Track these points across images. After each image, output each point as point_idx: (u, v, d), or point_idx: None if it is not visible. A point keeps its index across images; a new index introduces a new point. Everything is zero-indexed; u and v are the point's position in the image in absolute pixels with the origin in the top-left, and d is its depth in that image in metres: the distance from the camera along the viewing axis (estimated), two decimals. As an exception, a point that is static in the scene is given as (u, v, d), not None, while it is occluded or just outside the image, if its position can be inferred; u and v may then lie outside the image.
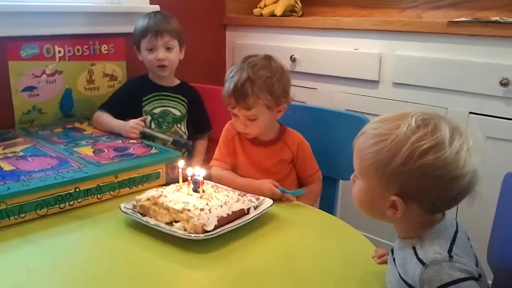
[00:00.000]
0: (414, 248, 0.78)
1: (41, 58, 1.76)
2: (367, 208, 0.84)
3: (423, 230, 0.80)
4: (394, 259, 0.84)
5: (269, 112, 1.30)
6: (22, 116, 1.76)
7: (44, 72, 1.78)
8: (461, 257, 0.75)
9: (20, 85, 1.73)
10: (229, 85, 1.29)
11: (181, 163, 1.20)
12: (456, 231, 0.80)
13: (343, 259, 1.00)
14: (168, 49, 1.70)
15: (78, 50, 1.84)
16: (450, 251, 0.75)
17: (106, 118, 1.67)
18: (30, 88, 1.76)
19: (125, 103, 1.71)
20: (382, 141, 0.77)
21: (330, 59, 1.97)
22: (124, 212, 1.11)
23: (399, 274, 0.80)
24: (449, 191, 0.76)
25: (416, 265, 0.76)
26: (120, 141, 1.53)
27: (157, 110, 1.71)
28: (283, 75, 1.32)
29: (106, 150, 1.43)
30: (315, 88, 2.04)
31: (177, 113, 1.73)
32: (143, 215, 1.10)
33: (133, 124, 1.59)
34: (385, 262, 0.95)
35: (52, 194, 1.17)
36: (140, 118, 1.64)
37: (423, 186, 0.76)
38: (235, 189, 1.21)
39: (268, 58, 1.33)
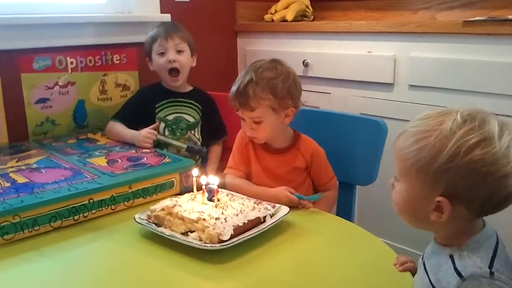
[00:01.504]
0: (451, 257, 0.74)
1: (53, 69, 1.76)
2: (409, 214, 0.80)
3: (463, 238, 0.76)
4: (424, 264, 0.81)
5: (275, 115, 1.28)
6: (35, 128, 1.76)
7: (56, 84, 1.78)
8: (502, 273, 0.70)
9: (33, 97, 1.74)
10: (233, 88, 1.29)
11: (195, 171, 1.18)
12: (497, 243, 0.76)
13: (364, 267, 0.97)
14: (179, 51, 1.70)
15: (90, 61, 1.84)
16: (491, 266, 0.71)
17: (118, 129, 1.67)
18: (43, 100, 1.76)
19: (138, 111, 1.71)
20: (425, 138, 0.73)
21: (343, 63, 1.94)
22: (139, 223, 1.10)
23: (430, 281, 0.77)
24: (499, 191, 0.72)
25: (453, 276, 0.72)
26: (134, 151, 1.52)
27: (170, 117, 1.70)
28: (289, 77, 1.30)
29: (119, 160, 1.42)
30: (329, 93, 2.01)
31: (191, 119, 1.72)
32: (158, 225, 1.09)
33: (146, 134, 1.58)
34: (407, 270, 0.92)
35: (66, 206, 1.15)
36: (152, 126, 1.63)
37: (471, 184, 0.71)
38: (250, 197, 1.19)
39: (275, 61, 1.32)
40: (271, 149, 1.35)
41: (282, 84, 1.27)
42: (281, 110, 1.29)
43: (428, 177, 0.73)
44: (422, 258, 0.83)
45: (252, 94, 1.25)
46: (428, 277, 0.78)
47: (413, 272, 0.91)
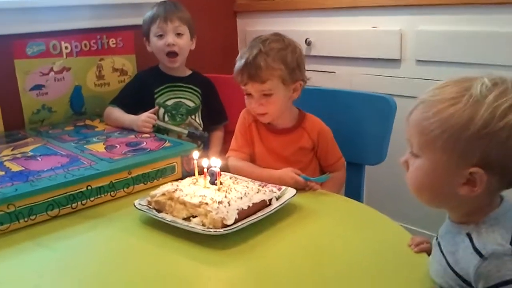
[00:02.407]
0: (469, 236, 0.69)
1: (47, 55, 1.71)
2: (431, 191, 0.73)
3: (481, 214, 0.70)
4: (439, 244, 0.75)
5: (284, 88, 1.23)
6: (31, 116, 1.71)
7: (51, 70, 1.72)
8: None
9: (28, 84, 1.68)
10: (240, 62, 1.23)
11: (195, 154, 1.13)
12: None
13: (377, 249, 0.92)
14: (178, 35, 1.64)
15: (85, 45, 1.79)
16: None
17: (117, 114, 1.61)
18: (38, 87, 1.71)
19: (136, 96, 1.65)
20: (452, 105, 0.67)
21: (347, 40, 1.88)
22: (139, 209, 1.05)
23: (447, 262, 0.72)
24: None
25: (472, 256, 0.67)
26: (133, 136, 1.47)
27: (170, 102, 1.65)
28: (296, 48, 1.26)
29: (118, 146, 1.37)
30: (333, 72, 1.95)
31: (191, 104, 1.67)
32: (159, 211, 1.04)
33: (145, 118, 1.53)
34: (423, 251, 0.87)
35: (63, 194, 1.11)
36: (151, 111, 1.58)
37: (507, 152, 0.66)
38: (255, 180, 1.14)
39: (279, 35, 1.27)
40: (276, 130, 1.30)
41: (291, 55, 1.23)
42: (291, 83, 1.24)
43: (458, 147, 0.67)
44: (437, 238, 0.77)
45: (264, 65, 1.19)
46: (445, 258, 0.72)
47: (429, 253, 0.86)
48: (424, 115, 0.70)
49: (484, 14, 1.51)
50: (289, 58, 1.22)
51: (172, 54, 1.64)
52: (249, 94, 1.25)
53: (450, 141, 0.68)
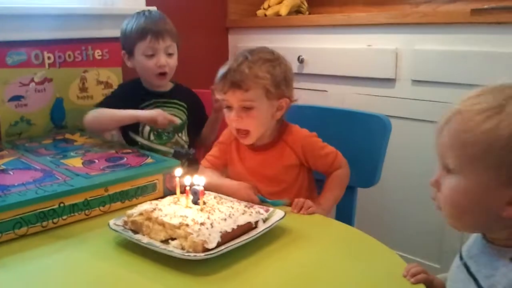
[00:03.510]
0: None
1: (29, 65, 1.63)
2: (470, 213, 0.66)
3: None
4: (466, 266, 0.68)
5: (267, 103, 1.15)
6: (9, 128, 1.62)
7: (32, 80, 1.64)
8: None
9: (7, 94, 1.60)
10: (223, 68, 1.16)
11: (178, 171, 1.05)
12: None
13: (370, 278, 0.85)
14: (169, 54, 1.54)
15: (69, 56, 1.71)
16: None
17: (110, 110, 1.48)
18: (17, 98, 1.62)
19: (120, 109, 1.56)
20: (496, 114, 0.61)
21: (341, 58, 1.83)
22: (114, 230, 0.97)
23: (479, 286, 0.64)
24: None
25: None
26: (113, 151, 1.39)
27: None
28: (286, 64, 1.19)
29: (97, 161, 1.29)
30: (325, 91, 1.90)
31: (178, 121, 1.57)
32: (135, 232, 0.96)
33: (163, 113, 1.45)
34: (420, 282, 0.80)
35: (32, 211, 1.02)
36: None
37: None
38: (214, 190, 1.09)
39: (268, 48, 1.21)
40: (254, 147, 1.22)
41: (279, 68, 1.16)
42: (275, 99, 1.16)
43: (505, 162, 0.60)
44: (461, 259, 0.70)
45: (248, 71, 1.12)
46: (477, 282, 0.65)
47: (427, 285, 0.79)
48: (467, 126, 0.63)
49: (482, 34, 1.47)
50: (277, 70, 1.15)
51: (162, 74, 1.55)
52: (228, 107, 1.18)
53: (494, 155, 0.61)
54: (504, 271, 0.62)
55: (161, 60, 1.51)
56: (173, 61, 1.55)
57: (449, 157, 0.66)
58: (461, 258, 0.70)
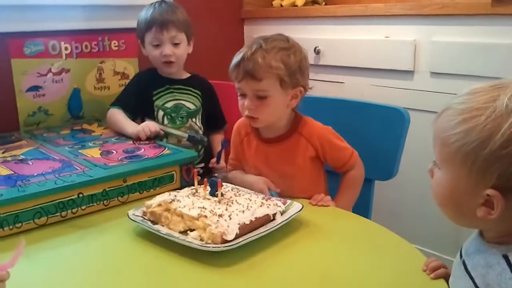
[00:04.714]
0: (506, 258, 0.62)
1: (46, 55, 1.64)
2: (453, 208, 0.67)
3: None
4: (464, 264, 0.67)
5: (282, 92, 1.13)
6: (27, 118, 1.64)
7: (50, 71, 1.66)
8: None
9: (24, 84, 1.62)
10: (237, 57, 1.15)
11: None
12: None
13: (388, 272, 0.84)
14: (175, 44, 1.56)
15: (86, 46, 1.72)
16: None
17: (118, 117, 1.52)
18: (35, 88, 1.64)
19: (137, 97, 1.57)
20: (473, 117, 0.61)
21: (358, 49, 1.81)
22: (133, 220, 0.98)
23: (475, 284, 0.64)
24: None
25: (510, 281, 0.59)
26: (131, 142, 1.40)
27: (169, 104, 1.57)
28: (301, 51, 1.17)
29: (114, 152, 1.30)
30: (342, 82, 1.88)
31: (191, 106, 1.59)
32: (154, 223, 0.97)
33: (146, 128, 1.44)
34: (440, 277, 0.79)
35: (52, 201, 1.03)
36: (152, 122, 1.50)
37: None
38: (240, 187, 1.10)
39: (284, 35, 1.19)
40: (268, 139, 1.21)
41: (294, 56, 1.14)
42: (289, 88, 1.14)
43: (476, 165, 0.61)
44: (461, 256, 0.70)
45: (262, 61, 1.10)
46: (472, 279, 0.65)
47: (447, 279, 0.78)
48: (447, 124, 0.64)
49: (503, 25, 1.44)
50: (291, 59, 1.13)
51: (169, 63, 1.57)
52: (242, 95, 1.17)
53: (469, 158, 0.61)
54: (498, 270, 0.62)
55: (166, 50, 1.54)
56: (179, 51, 1.57)
57: (436, 152, 0.67)
58: (461, 255, 0.70)
